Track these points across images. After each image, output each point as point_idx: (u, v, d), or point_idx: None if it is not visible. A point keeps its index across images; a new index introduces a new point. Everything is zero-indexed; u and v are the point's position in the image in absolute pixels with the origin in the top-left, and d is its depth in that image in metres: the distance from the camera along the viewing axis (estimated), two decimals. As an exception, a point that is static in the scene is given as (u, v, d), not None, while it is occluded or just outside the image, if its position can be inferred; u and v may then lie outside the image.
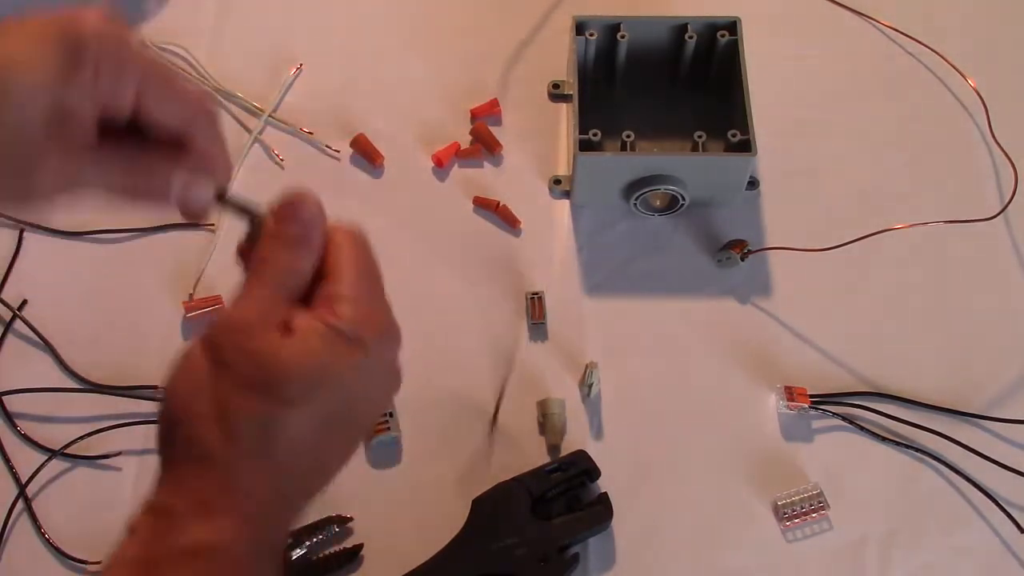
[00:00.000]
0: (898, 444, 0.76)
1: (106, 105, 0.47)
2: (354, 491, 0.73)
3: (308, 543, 0.70)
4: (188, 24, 0.91)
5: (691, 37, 0.83)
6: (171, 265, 0.81)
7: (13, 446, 0.74)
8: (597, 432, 0.76)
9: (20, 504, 0.72)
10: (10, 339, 0.78)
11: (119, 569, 0.46)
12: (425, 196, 0.85)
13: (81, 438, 0.74)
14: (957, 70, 0.90)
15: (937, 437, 0.76)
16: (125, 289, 0.81)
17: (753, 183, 0.84)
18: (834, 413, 0.77)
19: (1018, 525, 0.73)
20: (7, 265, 0.81)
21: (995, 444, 0.76)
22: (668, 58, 0.86)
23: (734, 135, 0.79)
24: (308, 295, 0.49)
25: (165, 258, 0.82)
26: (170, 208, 0.52)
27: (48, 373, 0.77)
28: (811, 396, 0.76)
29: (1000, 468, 0.74)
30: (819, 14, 0.94)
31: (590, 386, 0.76)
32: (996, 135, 0.87)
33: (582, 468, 0.73)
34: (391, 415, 0.74)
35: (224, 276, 0.81)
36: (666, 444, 0.76)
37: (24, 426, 0.75)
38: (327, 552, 0.71)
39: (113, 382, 0.76)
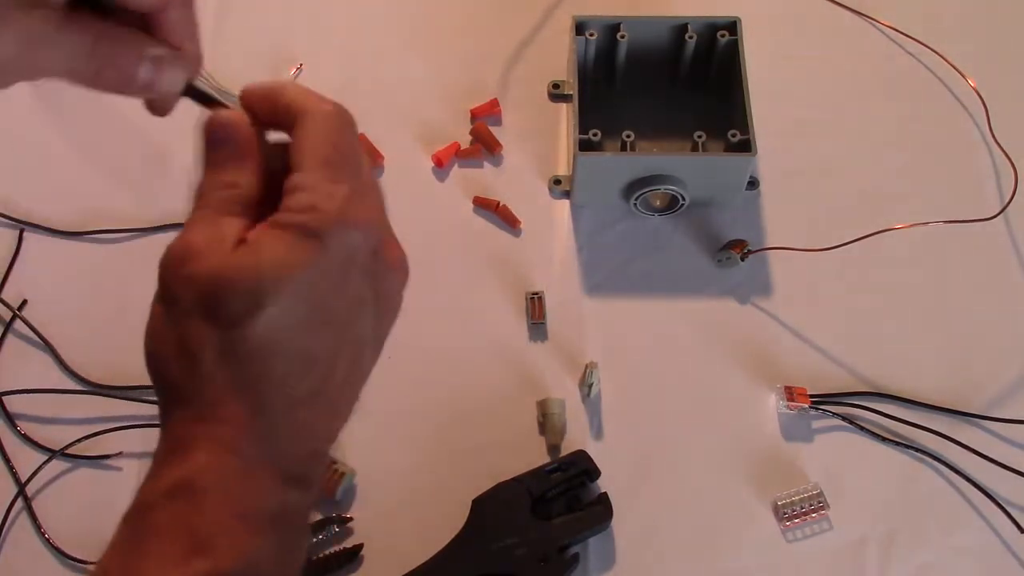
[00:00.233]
0: (898, 444, 0.76)
1: None
2: (354, 491, 0.73)
3: (308, 543, 0.70)
4: (188, 24, 0.91)
5: (691, 37, 0.83)
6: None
7: (13, 446, 0.74)
8: (597, 432, 0.76)
9: (20, 504, 0.72)
10: (10, 339, 0.78)
11: (117, 528, 0.45)
12: (425, 196, 0.85)
13: (81, 440, 0.74)
14: (957, 70, 0.90)
15: (937, 437, 0.76)
16: (125, 289, 0.81)
17: (753, 183, 0.84)
18: (834, 413, 0.77)
19: (1018, 525, 0.73)
20: (7, 265, 0.81)
21: (995, 444, 0.76)
22: (668, 58, 0.86)
23: (734, 135, 0.79)
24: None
25: (165, 258, 0.82)
26: (135, 94, 0.48)
27: (48, 373, 0.77)
28: (811, 396, 0.76)
29: (1000, 468, 0.74)
30: (819, 14, 0.94)
31: (590, 386, 0.76)
32: (996, 135, 0.87)
33: (582, 468, 0.73)
34: (334, 461, 0.72)
35: (224, 276, 0.81)
36: (666, 444, 0.76)
37: (24, 426, 0.75)
38: (327, 552, 0.71)
39: (113, 382, 0.76)
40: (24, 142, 0.87)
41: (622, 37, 0.83)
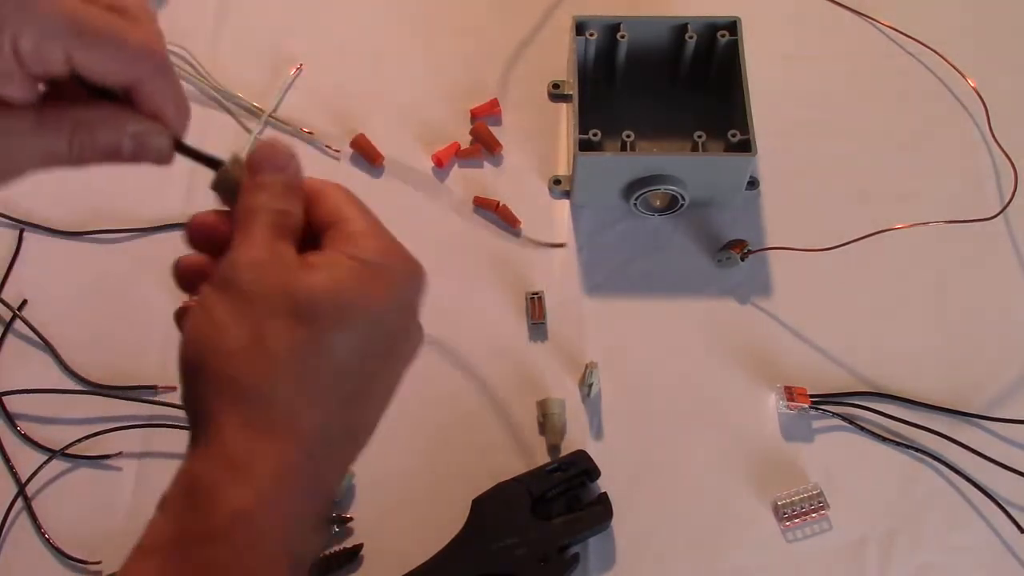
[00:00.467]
0: (898, 444, 0.76)
1: (35, 72, 0.44)
2: (354, 491, 0.73)
3: None
4: (188, 24, 0.91)
5: (691, 37, 0.83)
6: (171, 265, 0.81)
7: (13, 446, 0.74)
8: (597, 432, 0.76)
9: (20, 504, 0.72)
10: (10, 339, 0.78)
11: (149, 556, 0.43)
12: (425, 196, 0.85)
13: (81, 440, 0.74)
14: (957, 70, 0.90)
15: (937, 437, 0.76)
16: (125, 289, 0.81)
17: (753, 183, 0.84)
18: (834, 413, 0.77)
19: (1018, 525, 0.73)
20: (7, 265, 0.81)
21: (995, 444, 0.76)
22: (668, 58, 0.86)
23: (734, 135, 0.79)
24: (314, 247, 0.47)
25: (165, 258, 0.81)
26: (124, 163, 0.49)
27: (48, 373, 0.77)
28: (811, 396, 0.76)
29: (1000, 468, 0.74)
30: (819, 14, 0.94)
31: (590, 386, 0.76)
32: (996, 135, 0.87)
33: (582, 468, 0.73)
34: None
35: (224, 276, 0.81)
36: (666, 444, 0.76)
37: (24, 426, 0.75)
38: (327, 552, 0.71)
39: (113, 382, 0.76)
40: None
41: (622, 37, 0.83)
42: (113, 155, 0.48)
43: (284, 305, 0.43)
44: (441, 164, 0.86)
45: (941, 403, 0.77)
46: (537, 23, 0.93)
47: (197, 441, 0.44)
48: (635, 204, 0.82)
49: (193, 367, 0.45)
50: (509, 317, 0.80)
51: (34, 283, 0.80)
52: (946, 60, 0.91)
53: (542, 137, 0.88)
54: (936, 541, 0.73)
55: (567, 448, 0.75)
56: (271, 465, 0.42)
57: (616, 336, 0.80)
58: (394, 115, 0.88)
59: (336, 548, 0.71)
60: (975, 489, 0.74)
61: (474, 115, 0.88)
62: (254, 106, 0.88)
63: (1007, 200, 0.84)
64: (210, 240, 0.50)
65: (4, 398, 0.76)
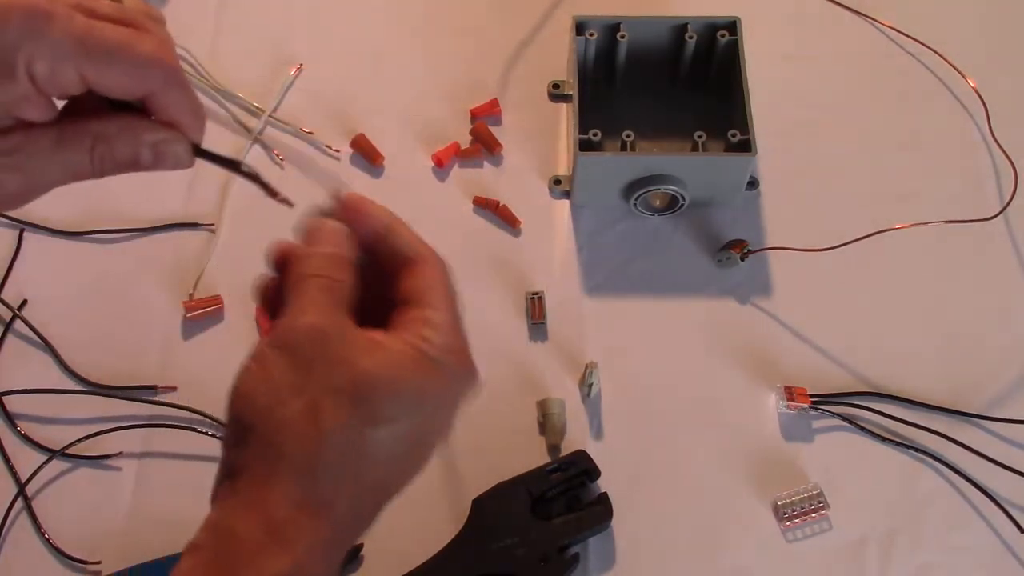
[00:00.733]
0: (898, 444, 0.76)
1: (52, 94, 0.45)
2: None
3: None
4: (188, 24, 0.91)
5: (691, 37, 0.83)
6: (171, 265, 0.81)
7: (13, 446, 0.74)
8: (597, 432, 0.76)
9: (20, 504, 0.72)
10: (10, 339, 0.78)
11: None
12: (425, 196, 0.85)
13: (81, 440, 0.74)
14: (957, 70, 0.90)
15: (937, 437, 0.76)
16: (125, 289, 0.81)
17: (753, 183, 0.84)
18: (834, 413, 0.77)
19: (1018, 525, 0.73)
20: (7, 265, 0.81)
21: (995, 444, 0.76)
22: (668, 58, 0.86)
23: (734, 135, 0.79)
24: (386, 316, 0.49)
25: (165, 258, 0.82)
26: (145, 171, 0.50)
27: (48, 373, 0.77)
28: (811, 396, 0.76)
29: (1000, 468, 0.74)
30: (819, 14, 0.94)
31: (590, 386, 0.76)
32: (996, 135, 0.87)
33: (582, 468, 0.73)
34: None
35: (224, 276, 0.81)
36: (666, 444, 0.76)
37: (24, 426, 0.75)
38: (327, 552, 0.71)
39: (113, 382, 0.76)
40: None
41: (622, 37, 0.83)
42: (133, 165, 0.49)
43: (343, 382, 0.45)
44: (441, 164, 0.86)
45: (941, 403, 0.77)
46: (537, 23, 0.93)
47: (236, 492, 0.45)
48: (635, 204, 0.82)
49: (243, 424, 0.46)
50: (509, 317, 0.80)
51: (34, 283, 0.80)
52: (946, 60, 0.91)
53: (542, 137, 0.88)
54: (936, 541, 0.73)
55: (567, 448, 0.75)
56: (308, 539, 0.44)
57: (616, 336, 0.80)
58: (394, 115, 0.88)
59: (336, 548, 0.71)
60: (975, 489, 0.74)
61: (474, 115, 0.88)
62: (254, 106, 0.88)
63: (1007, 200, 0.84)
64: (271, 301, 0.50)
65: (4, 398, 0.76)
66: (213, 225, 0.83)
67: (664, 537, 0.73)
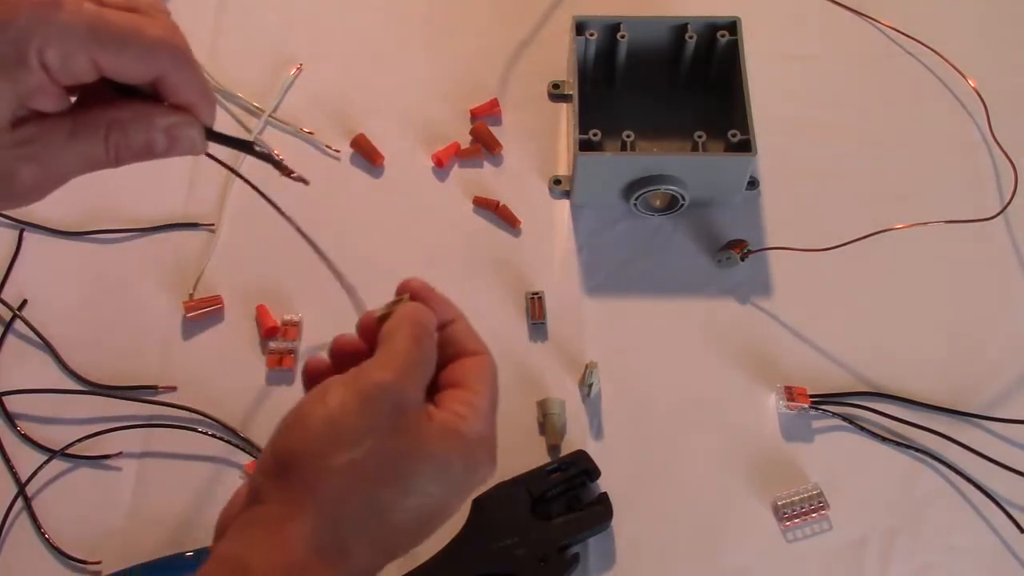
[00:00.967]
0: (898, 444, 0.76)
1: (65, 83, 0.46)
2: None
3: None
4: (188, 24, 0.90)
5: (691, 37, 0.83)
6: (171, 265, 0.81)
7: (13, 446, 0.74)
8: (597, 432, 0.76)
9: (20, 504, 0.72)
10: (10, 339, 0.78)
11: None
12: (425, 196, 0.85)
13: (81, 440, 0.74)
14: (957, 70, 0.90)
15: (937, 437, 0.76)
16: (125, 289, 0.81)
17: (753, 183, 0.84)
18: (834, 413, 0.77)
19: (1018, 525, 0.73)
20: (7, 265, 0.81)
21: (995, 444, 0.76)
22: (668, 58, 0.86)
23: (734, 135, 0.79)
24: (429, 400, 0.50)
25: (165, 258, 0.82)
26: (160, 158, 0.51)
27: (48, 373, 0.77)
28: (811, 396, 0.76)
29: (1000, 468, 0.74)
30: (819, 14, 0.94)
31: (590, 386, 0.76)
32: (996, 135, 0.87)
33: (582, 468, 0.73)
34: None
35: (224, 276, 0.81)
36: (666, 444, 0.76)
37: (24, 426, 0.75)
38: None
39: (113, 382, 0.76)
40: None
41: (622, 37, 0.83)
42: (148, 152, 0.49)
43: (398, 450, 0.46)
44: (441, 164, 0.86)
45: (941, 403, 0.77)
46: (537, 23, 0.93)
47: (256, 523, 0.46)
48: (635, 204, 0.82)
49: (289, 455, 0.47)
50: (509, 317, 0.80)
51: (34, 283, 0.80)
52: (946, 60, 0.91)
53: (542, 137, 0.88)
54: (936, 541, 0.73)
55: (567, 448, 0.75)
56: None
57: (616, 336, 0.80)
58: (394, 115, 0.88)
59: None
60: (975, 489, 0.74)
61: (474, 115, 0.88)
62: (254, 106, 0.88)
63: (1007, 200, 0.84)
64: (348, 358, 0.51)
65: (4, 398, 0.76)
66: (213, 225, 0.83)
67: (664, 537, 0.73)
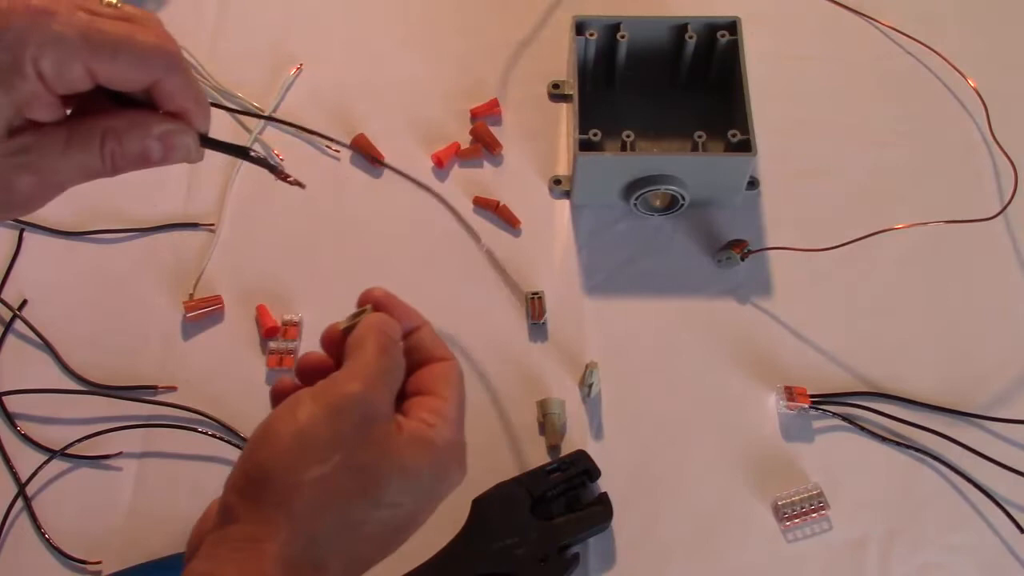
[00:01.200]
0: (898, 444, 0.76)
1: (61, 92, 0.46)
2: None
3: None
4: (188, 24, 0.91)
5: (691, 37, 0.83)
6: (171, 265, 0.81)
7: (13, 446, 0.74)
8: (597, 432, 0.76)
9: (20, 504, 0.72)
10: (10, 339, 0.78)
11: None
12: (425, 196, 0.85)
13: (81, 440, 0.74)
14: (957, 70, 0.90)
15: (937, 437, 0.76)
16: (125, 289, 0.81)
17: (753, 183, 0.84)
18: (834, 413, 0.77)
19: (1018, 525, 0.73)
20: (7, 265, 0.81)
21: (995, 444, 0.76)
22: (668, 58, 0.86)
23: (734, 135, 0.79)
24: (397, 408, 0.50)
25: (165, 258, 0.82)
26: (156, 166, 0.51)
27: (48, 373, 0.77)
28: (811, 396, 0.76)
29: (1000, 468, 0.74)
30: (819, 14, 0.94)
31: (590, 386, 0.76)
32: (996, 135, 0.87)
33: (582, 468, 0.73)
34: None
35: (224, 276, 0.81)
36: (666, 444, 0.76)
37: (24, 426, 0.75)
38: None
39: (113, 382, 0.76)
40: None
41: (622, 37, 0.83)
42: (144, 160, 0.50)
43: (368, 462, 0.46)
44: (441, 164, 0.86)
45: (941, 403, 0.77)
46: (537, 23, 0.93)
47: (227, 540, 0.45)
48: (635, 204, 0.82)
49: (260, 472, 0.46)
50: (509, 317, 0.80)
51: (34, 283, 0.80)
52: (946, 60, 0.91)
53: (542, 137, 0.88)
54: (936, 541, 0.73)
55: (567, 448, 0.75)
56: None
57: (616, 336, 0.80)
58: (394, 115, 0.88)
59: (336, 548, 0.71)
60: (975, 489, 0.74)
61: (474, 115, 0.88)
62: (254, 106, 0.88)
63: (1007, 200, 0.84)
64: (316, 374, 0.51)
65: (4, 398, 0.76)
66: (213, 225, 0.83)
67: (664, 537, 0.73)
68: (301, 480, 0.45)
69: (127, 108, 0.49)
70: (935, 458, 0.75)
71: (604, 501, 0.72)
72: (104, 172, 0.49)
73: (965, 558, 0.73)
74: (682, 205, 0.81)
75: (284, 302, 0.80)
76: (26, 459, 0.74)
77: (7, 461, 0.74)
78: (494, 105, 0.88)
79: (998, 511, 0.73)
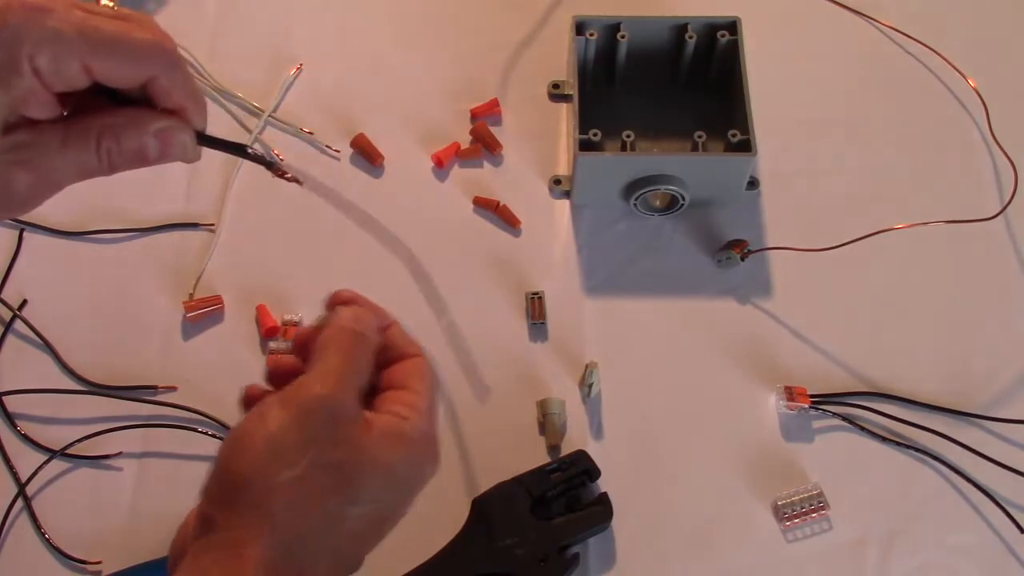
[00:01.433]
0: (898, 444, 0.76)
1: (57, 89, 0.46)
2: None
3: None
4: (188, 24, 0.91)
5: (691, 37, 0.83)
6: (171, 265, 0.81)
7: (13, 446, 0.74)
8: (597, 432, 0.76)
9: (20, 504, 0.72)
10: (10, 339, 0.78)
11: None
12: (425, 196, 0.85)
13: (81, 440, 0.74)
14: (957, 70, 0.90)
15: (937, 437, 0.76)
16: (125, 289, 0.81)
17: (753, 183, 0.84)
18: (834, 413, 0.77)
19: (1018, 525, 0.73)
20: (7, 265, 0.81)
21: (995, 444, 0.76)
22: (668, 58, 0.86)
23: (734, 135, 0.79)
24: (368, 404, 0.51)
25: (165, 258, 0.82)
26: (153, 164, 0.51)
27: (48, 373, 0.77)
28: (811, 396, 0.76)
29: (1000, 468, 0.74)
30: (819, 14, 0.94)
31: (590, 386, 0.76)
32: (996, 135, 0.87)
33: (582, 468, 0.73)
34: None
35: (224, 276, 0.81)
36: (666, 444, 0.76)
37: (24, 426, 0.75)
38: (327, 552, 0.71)
39: (113, 382, 0.76)
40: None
41: (622, 37, 0.83)
42: (141, 158, 0.50)
43: (340, 460, 0.47)
44: (441, 164, 0.86)
45: (941, 403, 0.77)
46: (537, 23, 0.93)
47: (210, 549, 0.45)
48: (635, 204, 0.82)
49: (235, 479, 0.46)
50: (509, 317, 0.80)
51: (34, 283, 0.80)
52: (946, 60, 0.91)
53: (542, 137, 0.88)
54: (936, 541, 0.73)
55: (567, 448, 0.75)
56: None
57: (616, 336, 0.80)
58: (394, 115, 0.88)
59: (336, 548, 0.71)
60: (975, 489, 0.74)
61: (474, 115, 0.88)
62: (254, 106, 0.88)
63: (1007, 200, 0.84)
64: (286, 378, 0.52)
65: (4, 398, 0.76)
66: (213, 225, 0.83)
67: (664, 537, 0.73)
68: (276, 483, 0.46)
69: (124, 106, 0.49)
70: (935, 458, 0.75)
71: (604, 501, 0.72)
72: (101, 170, 0.49)
73: (965, 558, 0.73)
74: (682, 205, 0.81)
75: (284, 302, 0.80)
76: (26, 459, 0.74)
77: (7, 461, 0.74)
78: (494, 105, 0.88)
79: (998, 511, 0.73)
